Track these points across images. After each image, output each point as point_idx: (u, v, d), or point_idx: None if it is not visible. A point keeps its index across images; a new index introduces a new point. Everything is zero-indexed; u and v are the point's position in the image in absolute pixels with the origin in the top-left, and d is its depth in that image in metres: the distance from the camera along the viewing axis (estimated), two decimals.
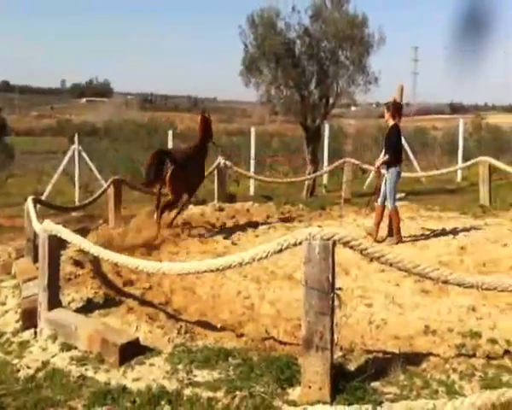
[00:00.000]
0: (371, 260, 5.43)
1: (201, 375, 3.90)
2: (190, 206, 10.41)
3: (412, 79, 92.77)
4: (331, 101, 13.89)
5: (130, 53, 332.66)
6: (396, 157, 7.80)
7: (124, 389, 3.82)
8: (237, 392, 3.63)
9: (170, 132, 14.22)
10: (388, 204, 7.87)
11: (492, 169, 11.67)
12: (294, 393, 3.59)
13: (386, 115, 7.97)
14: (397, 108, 7.89)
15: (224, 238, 8.29)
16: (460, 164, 15.14)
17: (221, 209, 10.34)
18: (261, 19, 13.33)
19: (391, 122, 7.90)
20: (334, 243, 3.56)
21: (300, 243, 3.62)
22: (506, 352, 4.16)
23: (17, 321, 5.21)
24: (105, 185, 9.58)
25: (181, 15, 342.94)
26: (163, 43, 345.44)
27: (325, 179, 15.35)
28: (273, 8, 13.43)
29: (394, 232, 7.84)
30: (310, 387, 3.51)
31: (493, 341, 4.38)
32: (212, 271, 4.25)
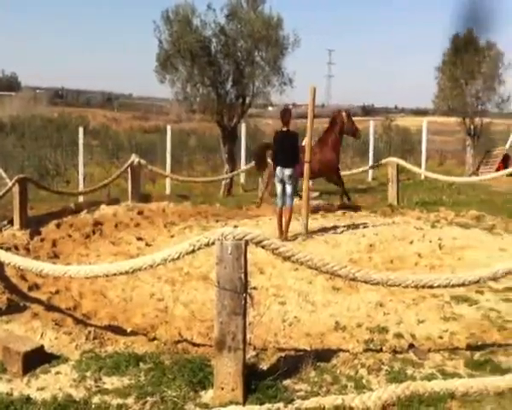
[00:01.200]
0: (286, 260, 5.57)
1: (111, 382, 3.77)
2: (102, 206, 10.09)
3: (327, 82, 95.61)
4: (247, 100, 13.97)
5: (41, 46, 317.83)
6: (275, 161, 8.41)
7: (27, 399, 3.60)
8: (148, 398, 3.54)
9: (81, 129, 13.65)
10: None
11: (400, 169, 12.23)
12: (207, 395, 3.55)
13: None
14: (281, 115, 8.44)
15: (138, 239, 8.09)
16: (370, 164, 15.75)
17: (135, 209, 10.09)
18: (176, 15, 13.16)
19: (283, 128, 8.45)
20: (247, 243, 3.57)
21: (213, 244, 3.59)
22: (411, 346, 4.36)
23: None
24: (9, 184, 9.04)
25: (94, 8, 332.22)
26: (75, 37, 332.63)
27: (242, 179, 15.41)
28: (188, 4, 13.32)
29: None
30: (222, 388, 3.48)
31: (399, 335, 4.58)
32: (121, 273, 4.11)
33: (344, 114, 10.64)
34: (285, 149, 8.18)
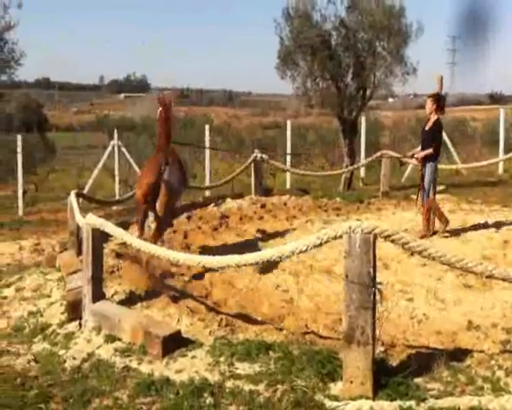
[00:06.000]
0: (412, 254, 5.42)
1: (243, 368, 3.93)
2: (228, 199, 10.48)
3: (450, 69, 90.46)
4: (368, 92, 13.70)
5: (167, 48, 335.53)
6: (437, 152, 7.72)
7: (167, 380, 3.88)
8: (278, 386, 3.65)
9: (207, 127, 14.29)
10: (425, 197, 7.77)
11: None
12: (336, 388, 3.58)
13: (431, 108, 7.72)
14: (441, 101, 7.74)
15: (262, 232, 8.31)
16: (501, 156, 14.72)
17: (258, 203, 10.36)
18: (296, 11, 13.24)
19: (434, 116, 7.73)
20: (375, 237, 3.53)
21: (340, 237, 3.59)
22: None
23: (62, 313, 5.35)
24: None
25: (214, 10, 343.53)
26: (197, 37, 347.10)
27: (362, 172, 15.18)
28: (309, 0, 13.33)
29: (439, 220, 7.76)
30: (351, 382, 3.49)
31: None
32: (251, 264, 4.27)
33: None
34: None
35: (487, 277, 3.81)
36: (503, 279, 3.82)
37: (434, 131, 7.73)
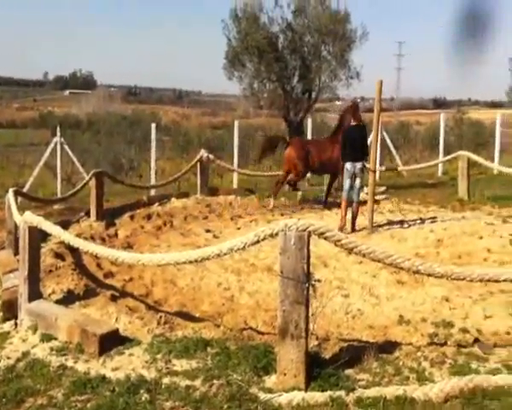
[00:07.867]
0: (350, 252, 5.60)
1: (180, 364, 3.97)
2: (173, 199, 10.45)
3: (396, 74, 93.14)
4: (314, 95, 13.99)
5: (115, 45, 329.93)
6: (343, 155, 8.55)
7: (103, 378, 3.86)
8: (215, 380, 3.71)
9: (153, 126, 14.15)
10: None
11: (472, 163, 11.85)
12: (270, 380, 3.67)
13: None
14: (353, 110, 8.80)
15: (206, 231, 8.35)
16: (440, 158, 15.34)
17: (203, 202, 10.39)
18: (244, 13, 13.37)
19: (352, 123, 8.72)
20: (310, 234, 3.65)
21: (277, 234, 3.70)
22: (476, 340, 4.30)
23: None
24: (87, 178, 9.57)
25: (165, 8, 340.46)
26: (148, 36, 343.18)
27: (308, 173, 15.40)
28: (256, 2, 13.49)
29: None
30: (285, 374, 3.60)
31: (465, 330, 4.52)
32: (190, 262, 4.30)
33: (351, 107, 9.32)
34: (356, 143, 8.37)
35: (414, 272, 4.01)
36: (429, 275, 4.03)
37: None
